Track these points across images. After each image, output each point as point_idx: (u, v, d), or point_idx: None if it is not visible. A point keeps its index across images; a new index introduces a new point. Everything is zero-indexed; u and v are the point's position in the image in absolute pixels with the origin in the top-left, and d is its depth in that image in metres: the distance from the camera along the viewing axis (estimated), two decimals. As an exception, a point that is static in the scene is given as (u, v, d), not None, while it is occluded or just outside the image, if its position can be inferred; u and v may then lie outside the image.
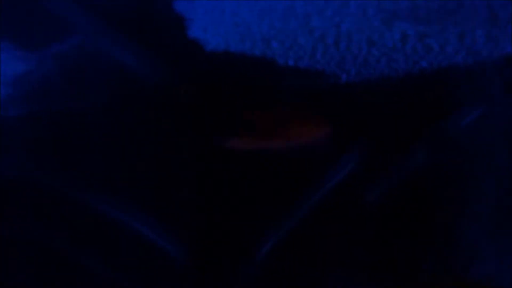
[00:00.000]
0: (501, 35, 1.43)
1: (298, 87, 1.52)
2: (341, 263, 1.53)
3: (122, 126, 1.50)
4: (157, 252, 1.51)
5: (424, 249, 1.51)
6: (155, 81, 1.50)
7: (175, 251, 1.51)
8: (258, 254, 1.51)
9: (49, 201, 1.50)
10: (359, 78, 1.51)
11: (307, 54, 1.48)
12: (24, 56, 1.47)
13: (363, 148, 1.51)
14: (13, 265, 1.50)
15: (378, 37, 1.44)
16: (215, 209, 1.54)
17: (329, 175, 1.51)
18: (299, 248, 1.54)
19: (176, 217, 1.53)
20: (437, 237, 1.50)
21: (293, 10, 1.43)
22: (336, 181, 1.51)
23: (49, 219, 1.51)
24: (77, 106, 1.50)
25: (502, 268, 1.48)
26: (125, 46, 1.50)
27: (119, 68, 1.50)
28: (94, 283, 1.50)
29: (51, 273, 1.52)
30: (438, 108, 1.51)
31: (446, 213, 1.51)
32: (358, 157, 1.50)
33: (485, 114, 1.49)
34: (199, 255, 1.53)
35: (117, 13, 1.52)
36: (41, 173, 1.50)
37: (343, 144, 1.51)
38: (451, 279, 1.42)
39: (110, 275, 1.49)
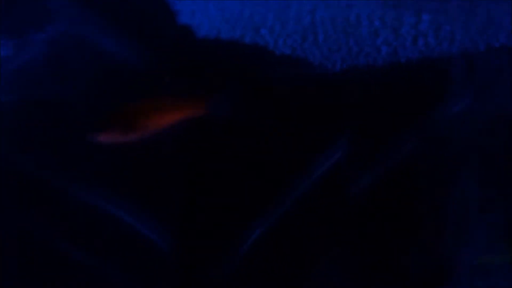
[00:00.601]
0: (488, 27, 1.42)
1: (284, 76, 1.51)
2: (327, 255, 1.52)
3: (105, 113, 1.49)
4: (142, 242, 1.50)
5: (412, 241, 1.50)
6: (141, 68, 1.49)
7: (160, 241, 1.50)
8: (243, 246, 1.50)
9: (30, 187, 1.49)
10: (345, 68, 1.50)
11: (294, 42, 1.47)
12: (6, 43, 1.46)
13: (351, 139, 1.50)
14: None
15: (363, 27, 1.42)
16: (200, 201, 1.53)
17: (315, 166, 1.50)
18: (284, 239, 1.52)
19: (162, 208, 1.52)
20: (425, 229, 1.49)
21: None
22: (322, 171, 1.50)
23: (31, 205, 1.50)
24: (61, 92, 1.49)
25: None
26: (111, 33, 1.49)
27: (104, 54, 1.49)
28: (78, 270, 1.49)
29: (33, 258, 1.51)
30: (426, 99, 1.49)
31: (434, 203, 1.49)
32: (346, 148, 1.49)
33: (473, 105, 1.47)
34: (184, 246, 1.52)
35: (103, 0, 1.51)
36: (24, 158, 1.49)
37: (331, 134, 1.50)
38: None
39: (96, 264, 1.48)
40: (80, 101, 1.50)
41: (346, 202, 1.50)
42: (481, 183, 1.47)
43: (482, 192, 1.46)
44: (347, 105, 1.51)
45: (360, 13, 1.43)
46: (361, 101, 1.50)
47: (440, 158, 1.48)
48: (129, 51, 1.49)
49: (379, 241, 1.50)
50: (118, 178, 1.50)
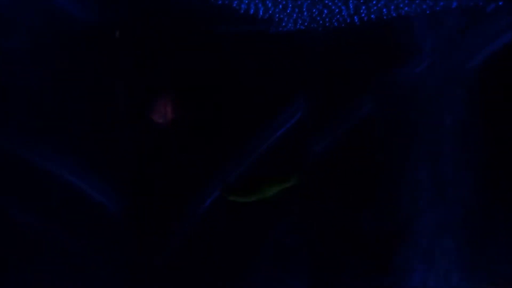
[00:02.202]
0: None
1: (240, 33, 1.48)
2: (286, 215, 1.51)
3: (54, 68, 1.43)
4: (95, 206, 1.46)
5: (370, 201, 1.51)
6: (90, 23, 1.43)
7: (112, 204, 1.46)
8: (200, 207, 1.48)
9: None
10: (305, 28, 1.49)
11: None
12: None
13: (310, 99, 1.49)
14: None
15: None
16: (157, 161, 1.50)
17: (274, 126, 1.48)
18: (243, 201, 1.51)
19: (113, 169, 1.48)
20: (383, 188, 1.50)
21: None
22: (281, 132, 1.49)
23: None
24: (4, 45, 1.42)
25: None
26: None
27: (53, 7, 1.42)
28: (30, 236, 1.45)
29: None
30: (386, 58, 1.50)
31: (393, 164, 1.50)
32: (304, 108, 1.48)
33: (432, 65, 1.48)
34: (137, 209, 1.49)
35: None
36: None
37: (290, 94, 1.49)
38: None
39: (46, 229, 1.44)
40: (28, 55, 1.43)
41: (305, 163, 1.50)
42: (440, 143, 1.48)
43: (446, 149, 1.48)
44: (307, 65, 1.50)
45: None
46: (321, 61, 1.50)
47: (399, 118, 1.49)
48: (79, 4, 1.43)
49: (338, 200, 1.51)
50: (68, 140, 1.45)
